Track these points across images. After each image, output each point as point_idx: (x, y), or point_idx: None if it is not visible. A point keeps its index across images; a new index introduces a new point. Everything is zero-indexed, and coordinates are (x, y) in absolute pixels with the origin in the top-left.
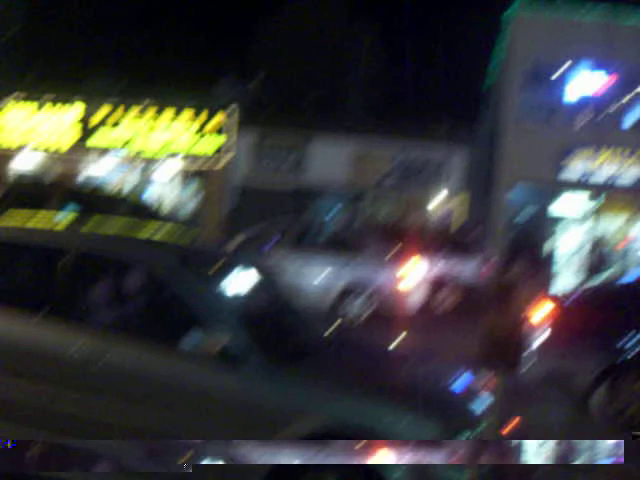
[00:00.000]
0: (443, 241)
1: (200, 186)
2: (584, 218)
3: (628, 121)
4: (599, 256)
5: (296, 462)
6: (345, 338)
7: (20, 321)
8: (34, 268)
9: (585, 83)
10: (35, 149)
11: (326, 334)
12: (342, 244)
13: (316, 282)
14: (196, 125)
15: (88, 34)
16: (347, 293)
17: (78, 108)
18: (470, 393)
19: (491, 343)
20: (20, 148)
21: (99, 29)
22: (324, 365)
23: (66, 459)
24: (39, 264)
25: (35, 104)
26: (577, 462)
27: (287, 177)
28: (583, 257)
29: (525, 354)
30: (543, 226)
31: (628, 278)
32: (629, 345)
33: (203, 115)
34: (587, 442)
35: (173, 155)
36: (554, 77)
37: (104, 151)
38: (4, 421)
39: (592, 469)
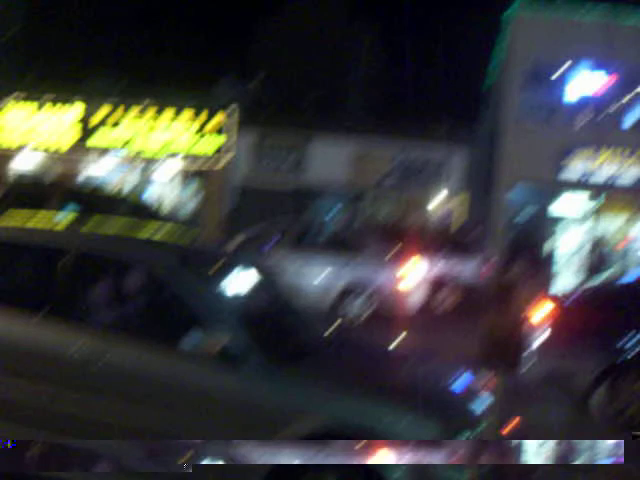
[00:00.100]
0: (443, 241)
1: (200, 186)
2: (584, 218)
3: (628, 121)
4: (599, 256)
5: (296, 462)
6: (345, 338)
7: (20, 321)
8: (34, 268)
9: (585, 83)
10: (35, 149)
11: (326, 334)
12: (342, 244)
13: (316, 282)
14: (196, 125)
15: (88, 34)
16: (347, 293)
17: (78, 108)
18: (470, 393)
19: (491, 343)
20: (20, 148)
21: (99, 29)
22: (324, 365)
23: (66, 459)
24: (39, 264)
25: (35, 104)
26: (577, 462)
27: (287, 177)
28: (583, 257)
29: (525, 354)
30: (543, 226)
31: (628, 278)
32: (629, 345)
33: (203, 115)
34: (587, 442)
35: (173, 155)
36: (554, 77)
37: (104, 151)
38: (4, 421)
39: (592, 469)
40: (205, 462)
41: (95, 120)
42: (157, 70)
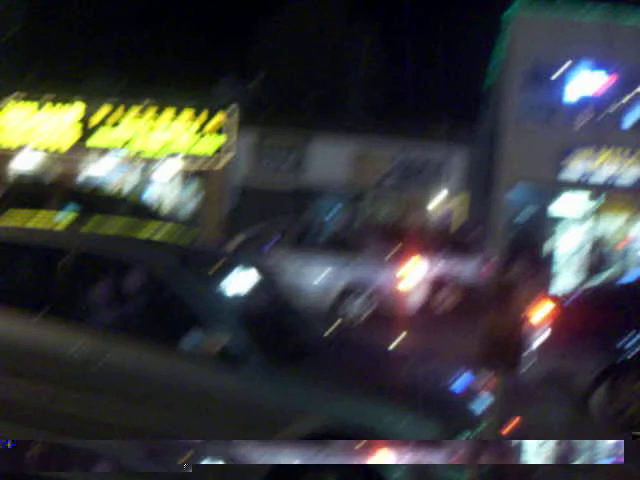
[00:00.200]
0: (443, 241)
1: (200, 186)
2: (584, 218)
3: (628, 121)
4: (599, 256)
5: (296, 462)
6: (345, 338)
7: (20, 321)
8: (34, 268)
9: (585, 83)
10: (35, 149)
11: (326, 334)
12: (342, 244)
13: (316, 282)
14: (196, 125)
15: (88, 34)
16: (347, 293)
17: (78, 108)
18: (470, 393)
19: (491, 343)
20: (20, 148)
21: (99, 29)
22: (324, 365)
23: (66, 459)
24: (39, 264)
25: (35, 104)
26: (577, 462)
27: (287, 177)
28: (583, 257)
29: (525, 354)
30: (543, 226)
31: (628, 278)
32: (629, 345)
33: (203, 115)
34: (587, 442)
35: (173, 155)
36: (554, 77)
37: (104, 151)
38: (4, 421)
39: (592, 469)
40: (205, 462)
41: (95, 120)
42: (157, 70)
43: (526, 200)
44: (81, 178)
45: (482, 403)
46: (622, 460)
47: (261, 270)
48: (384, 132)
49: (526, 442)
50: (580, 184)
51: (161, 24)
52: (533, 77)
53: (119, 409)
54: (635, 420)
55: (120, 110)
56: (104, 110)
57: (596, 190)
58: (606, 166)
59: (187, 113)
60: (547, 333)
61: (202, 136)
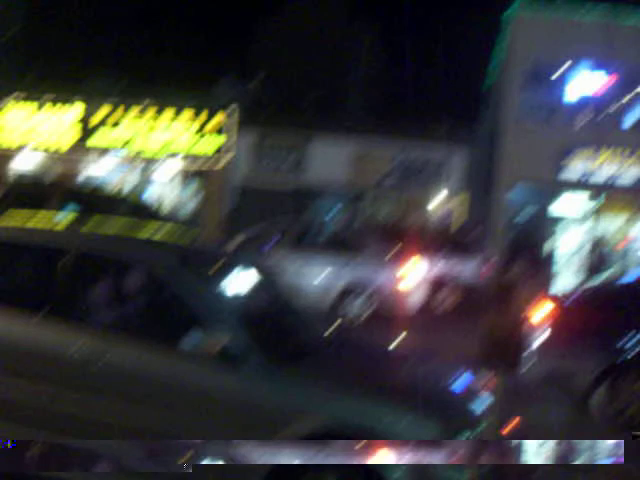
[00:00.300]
0: (443, 241)
1: (200, 186)
2: (584, 218)
3: (628, 121)
4: (599, 256)
5: (296, 462)
6: (345, 338)
7: (20, 321)
8: (34, 268)
9: (585, 83)
10: (35, 149)
11: (326, 334)
12: (342, 244)
13: (316, 282)
14: (196, 125)
15: (88, 34)
16: (347, 293)
17: (78, 108)
18: (470, 393)
19: (491, 343)
20: (20, 148)
21: (99, 29)
22: (324, 365)
23: (66, 459)
24: (39, 264)
25: (35, 104)
26: (577, 462)
27: (287, 177)
28: (583, 257)
29: (525, 354)
30: (543, 226)
31: (628, 278)
32: (629, 345)
33: (203, 115)
34: (587, 442)
35: (173, 155)
36: (554, 77)
37: (104, 151)
38: (4, 421)
39: (592, 469)
40: (205, 462)
41: (95, 120)
42: (157, 70)
43: (526, 200)
44: (81, 178)
45: (482, 403)
46: (622, 460)
47: (261, 270)
48: (384, 132)
49: (526, 442)
50: (580, 184)
51: (161, 24)
52: (533, 77)
53: (119, 409)
54: (635, 420)
55: (120, 110)
56: (104, 110)
57: (596, 190)
58: (606, 166)
59: (187, 113)
60: (547, 333)
61: (202, 136)
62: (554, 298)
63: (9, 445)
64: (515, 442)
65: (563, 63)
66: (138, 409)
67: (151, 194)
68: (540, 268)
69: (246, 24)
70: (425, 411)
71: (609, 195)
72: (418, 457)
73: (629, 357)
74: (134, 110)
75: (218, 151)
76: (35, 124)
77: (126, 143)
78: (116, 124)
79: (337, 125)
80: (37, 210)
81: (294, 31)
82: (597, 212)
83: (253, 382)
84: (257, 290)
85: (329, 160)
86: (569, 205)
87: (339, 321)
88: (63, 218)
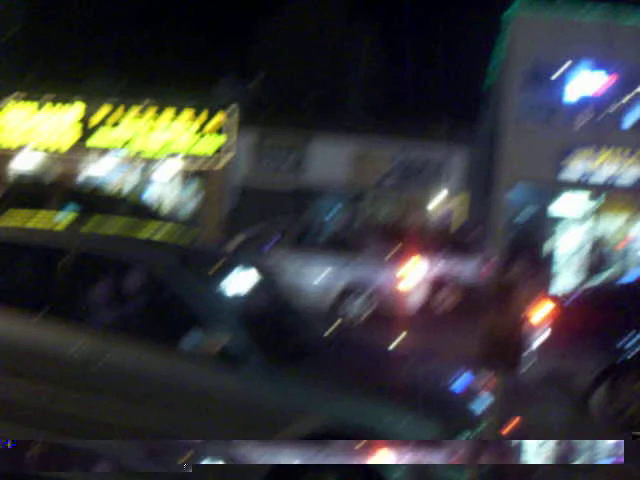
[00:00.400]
0: (443, 241)
1: (200, 186)
2: (584, 218)
3: (628, 121)
4: (599, 256)
5: (296, 462)
6: (345, 338)
7: (20, 321)
8: (34, 268)
9: (585, 83)
10: (35, 149)
11: (326, 334)
12: (342, 244)
13: (316, 282)
14: (196, 125)
15: (88, 34)
16: (347, 293)
17: (78, 108)
18: (470, 393)
19: (491, 343)
20: (20, 148)
21: (99, 29)
22: (324, 365)
23: (66, 459)
24: (39, 264)
25: (35, 104)
26: (577, 462)
27: (287, 177)
28: (583, 257)
29: (525, 354)
30: (543, 226)
31: (628, 278)
32: (629, 345)
33: (203, 115)
34: (587, 442)
35: (173, 155)
36: (554, 77)
37: (104, 151)
38: (4, 421)
39: (592, 469)
40: (205, 462)
41: (95, 120)
42: (157, 70)
43: (526, 200)
44: (81, 178)
45: (482, 403)
46: (622, 460)
47: (261, 270)
48: (384, 132)
49: (526, 442)
50: (580, 184)
51: (161, 24)
52: (533, 77)
53: (119, 409)
54: (635, 420)
55: (120, 110)
56: (104, 110)
57: (596, 190)
58: (606, 166)
59: (187, 113)
60: (547, 333)
61: (202, 136)
62: (554, 298)
63: (9, 445)
64: (515, 442)
65: (563, 63)
66: (138, 409)
67: (151, 194)
68: (540, 268)
69: (246, 24)
70: (425, 411)
71: (609, 195)
72: (418, 457)
73: (629, 357)
74: (134, 110)
75: (218, 151)
76: (35, 124)
77: (126, 143)
78: (116, 124)
79: (337, 125)
80: (37, 210)
81: (294, 31)
82: (597, 212)
83: (253, 382)
84: (257, 290)
85: (329, 160)
86: (569, 205)
87: (339, 321)
88: (63, 218)
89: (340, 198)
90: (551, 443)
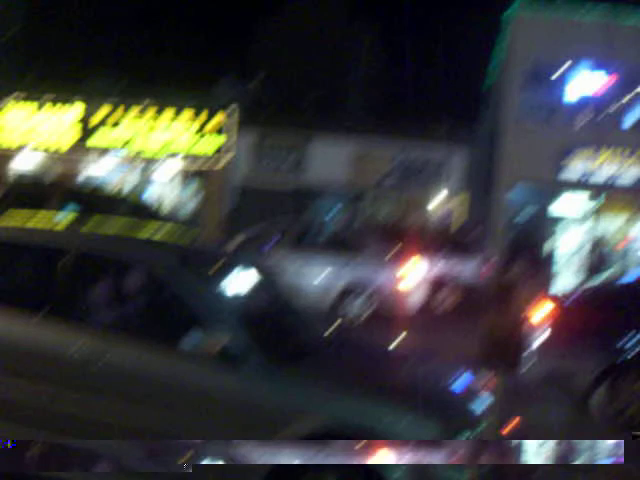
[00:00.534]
0: (443, 241)
1: (200, 186)
2: (584, 218)
3: (628, 121)
4: (599, 256)
5: (296, 462)
6: (345, 338)
7: (20, 321)
8: (34, 268)
9: (585, 83)
10: (35, 149)
11: (326, 334)
12: (342, 244)
13: (316, 282)
14: (196, 125)
15: (88, 34)
16: (347, 293)
17: (78, 108)
18: (470, 393)
19: (491, 343)
20: (20, 148)
21: (99, 29)
22: (324, 365)
23: (66, 459)
24: (39, 264)
25: (35, 104)
26: (577, 462)
27: (287, 177)
28: (583, 257)
29: (525, 354)
30: (543, 226)
31: (628, 278)
32: (629, 345)
33: (203, 115)
34: (587, 442)
35: (173, 155)
36: (554, 77)
37: (104, 151)
38: (4, 421)
39: (592, 469)
40: (205, 462)
41: (95, 120)
42: (157, 70)
43: (526, 200)
44: (81, 178)
45: (482, 403)
46: (622, 460)
47: (261, 270)
48: (384, 132)
49: (526, 442)
50: (580, 184)
51: (161, 24)
52: (533, 77)
53: (119, 409)
54: (635, 420)
55: (120, 110)
56: (104, 110)
57: (596, 190)
58: (606, 166)
59: (187, 113)
60: (547, 333)
61: (202, 136)
62: (554, 298)
63: (9, 445)
64: (515, 442)
65: (563, 63)
66: (138, 409)
67: (151, 194)
68: (540, 268)
69: (246, 24)
70: (425, 411)
71: (609, 195)
72: (418, 457)
73: (629, 357)
74: (134, 110)
75: (218, 151)
76: (35, 124)
77: (126, 143)
78: (116, 124)
79: (337, 125)
80: (37, 210)
81: (294, 31)
82: (597, 212)
83: (253, 382)
84: (257, 290)
85: (329, 160)
86: (569, 205)
87: (339, 321)
88: (63, 218)
89: (340, 198)
90: (551, 443)
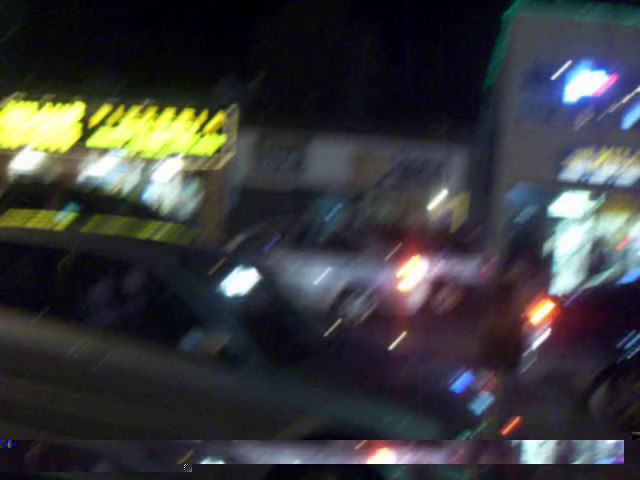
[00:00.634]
0: (443, 241)
1: (200, 186)
2: (584, 218)
3: (628, 121)
4: (599, 256)
5: (296, 462)
6: (345, 338)
7: (20, 321)
8: (34, 268)
9: (585, 83)
10: (35, 149)
11: (326, 334)
12: (342, 244)
13: (316, 282)
14: (196, 125)
15: (88, 34)
16: (347, 293)
17: (78, 108)
18: (470, 393)
19: (491, 343)
20: (20, 148)
21: (99, 29)
22: (324, 365)
23: (66, 459)
24: (39, 264)
25: (35, 104)
26: (577, 462)
27: (287, 177)
28: (583, 257)
29: (525, 354)
30: (543, 226)
31: (628, 278)
32: (629, 345)
33: (203, 115)
34: (587, 442)
35: (173, 155)
36: (554, 77)
37: (104, 151)
38: (4, 421)
39: (592, 469)
40: (205, 462)
41: (95, 120)
42: (157, 70)
43: (526, 200)
44: (81, 178)
45: (482, 403)
46: (622, 460)
47: (261, 270)
48: (384, 132)
49: (526, 442)
50: (580, 184)
51: (161, 24)
52: (533, 77)
53: (119, 409)
54: (635, 420)
55: (120, 110)
56: (104, 110)
57: (596, 190)
58: (606, 166)
59: (187, 113)
60: (547, 333)
61: (202, 136)
62: (554, 298)
63: (9, 445)
64: (515, 442)
65: (563, 63)
66: (138, 409)
67: (151, 194)
68: (540, 268)
69: (246, 24)
70: (425, 411)
71: (609, 195)
72: (418, 457)
73: (629, 357)
74: (134, 110)
75: (218, 151)
76: (35, 124)
77: (126, 143)
78: (116, 124)
79: (337, 125)
80: (37, 210)
81: (294, 31)
82: (597, 212)
83: (253, 382)
84: (257, 290)
85: (329, 160)
86: (569, 205)
87: (339, 321)
88: (63, 218)
89: (340, 198)
90: (551, 443)
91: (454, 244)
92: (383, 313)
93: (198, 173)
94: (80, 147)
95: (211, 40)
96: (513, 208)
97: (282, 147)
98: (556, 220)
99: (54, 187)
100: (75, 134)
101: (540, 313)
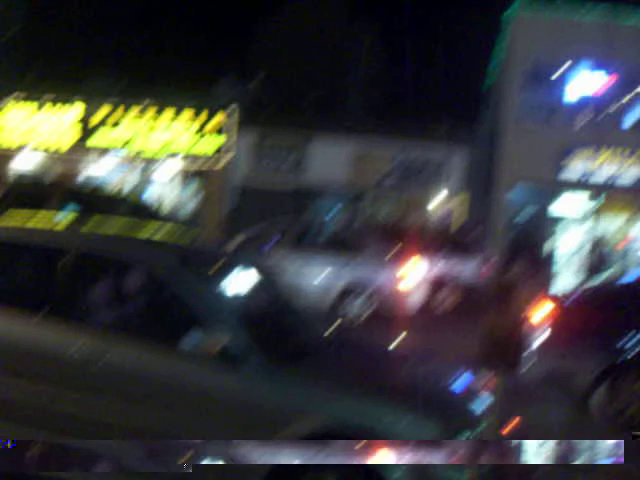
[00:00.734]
0: (443, 241)
1: (200, 186)
2: (584, 218)
3: (628, 121)
4: (599, 256)
5: (296, 462)
6: (345, 338)
7: (20, 321)
8: (34, 268)
9: (585, 83)
10: (35, 149)
11: (326, 334)
12: (342, 244)
13: (316, 282)
14: (196, 125)
15: (88, 34)
16: (347, 293)
17: (78, 108)
18: (470, 393)
19: (491, 343)
20: (20, 148)
21: (99, 29)
22: (324, 365)
23: (66, 459)
24: (39, 264)
25: (35, 104)
26: (577, 462)
27: (287, 177)
28: (583, 257)
29: (525, 354)
30: (543, 226)
31: (628, 278)
32: (629, 345)
33: (203, 115)
34: (587, 442)
35: (173, 155)
36: (554, 77)
37: (104, 151)
38: (4, 421)
39: (592, 469)
40: (205, 462)
41: (95, 120)
42: (157, 70)
43: (526, 200)
44: (81, 178)
45: (482, 403)
46: (622, 460)
47: (261, 270)
48: (384, 132)
49: (526, 442)
50: (580, 184)
51: (161, 24)
52: (533, 77)
53: (119, 409)
54: (635, 420)
55: (120, 110)
56: (104, 110)
57: (596, 190)
58: (606, 166)
59: (187, 113)
60: (547, 333)
61: (202, 136)
62: (554, 298)
63: (9, 445)
64: (515, 442)
65: (563, 63)
66: (138, 409)
67: (151, 194)
68: (540, 268)
69: (246, 24)
70: (425, 411)
71: (609, 195)
72: (418, 457)
73: (629, 357)
74: (134, 110)
75: (218, 151)
76: (35, 124)
77: (126, 143)
78: (116, 124)
79: (337, 125)
80: (37, 210)
81: (294, 31)
82: (597, 212)
83: (253, 382)
84: (257, 290)
85: (329, 160)
86: (569, 205)
87: (339, 321)
88: (63, 218)
89: (340, 198)
90: (551, 443)
91: (454, 244)
92: (383, 313)
93: (198, 173)
94: (80, 147)
95: (211, 40)
96: (513, 208)
97: (282, 147)
98: (556, 220)
99: (54, 187)
100: (75, 134)
101: (540, 313)
